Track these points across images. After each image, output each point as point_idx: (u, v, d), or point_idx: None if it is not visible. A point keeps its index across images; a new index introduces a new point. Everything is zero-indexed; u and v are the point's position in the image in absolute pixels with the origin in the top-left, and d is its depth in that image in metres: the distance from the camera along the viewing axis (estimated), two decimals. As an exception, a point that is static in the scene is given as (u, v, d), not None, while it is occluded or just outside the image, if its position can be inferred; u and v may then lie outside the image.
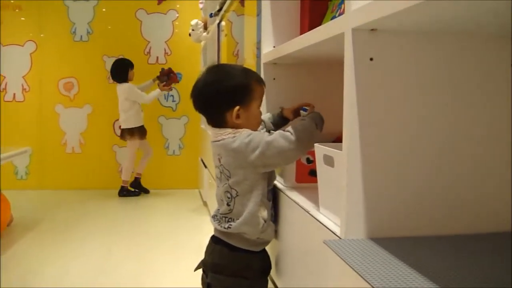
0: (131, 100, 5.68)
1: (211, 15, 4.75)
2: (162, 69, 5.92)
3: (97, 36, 6.38)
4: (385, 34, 1.13)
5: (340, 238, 1.16)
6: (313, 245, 1.33)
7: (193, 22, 5.51)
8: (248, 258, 1.66)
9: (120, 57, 6.01)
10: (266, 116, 1.85)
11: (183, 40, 6.31)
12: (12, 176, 6.37)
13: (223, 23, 4.07)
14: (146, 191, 6.01)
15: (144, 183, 6.06)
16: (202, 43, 5.81)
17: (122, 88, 5.68)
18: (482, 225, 1.23)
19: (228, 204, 1.64)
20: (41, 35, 6.38)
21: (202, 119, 5.86)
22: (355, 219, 1.15)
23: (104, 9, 6.38)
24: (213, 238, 1.71)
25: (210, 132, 1.69)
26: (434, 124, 1.18)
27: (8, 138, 5.90)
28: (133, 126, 5.74)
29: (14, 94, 6.41)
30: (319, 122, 1.58)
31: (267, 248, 1.73)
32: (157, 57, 6.41)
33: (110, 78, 5.89)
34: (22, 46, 6.39)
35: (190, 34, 5.60)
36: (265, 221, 1.61)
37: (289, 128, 1.53)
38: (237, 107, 1.61)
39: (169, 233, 4.31)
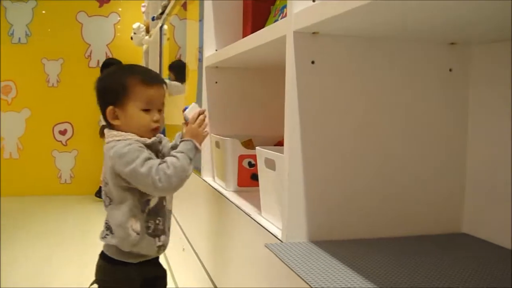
0: None
1: (153, 19, 4.71)
2: None
3: (36, 38, 6.23)
4: (327, 37, 1.14)
5: (281, 242, 1.16)
6: (255, 249, 1.33)
7: (135, 25, 5.45)
8: (125, 270, 1.58)
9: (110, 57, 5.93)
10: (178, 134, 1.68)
11: (125, 44, 6.23)
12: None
13: (165, 26, 4.04)
14: None
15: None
16: (144, 46, 5.75)
17: None
18: (421, 227, 1.25)
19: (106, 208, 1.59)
20: (-23, 37, 6.21)
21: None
22: (296, 222, 1.15)
23: (43, 11, 6.24)
24: (101, 252, 1.63)
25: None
26: (375, 128, 1.19)
27: None
28: None
29: (-50, 97, 6.20)
30: (193, 153, 1.51)
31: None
32: (98, 61, 6.29)
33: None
34: (-42, 48, 6.19)
35: (132, 38, 5.54)
36: (137, 234, 1.52)
37: (163, 166, 1.44)
38: (110, 107, 1.54)
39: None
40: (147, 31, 5.36)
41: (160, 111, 1.59)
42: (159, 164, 1.44)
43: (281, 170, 1.20)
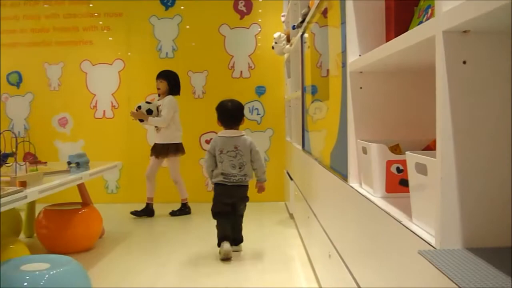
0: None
1: (293, 27, 4.76)
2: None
3: (182, 52, 6.52)
4: (478, 35, 1.09)
5: (435, 249, 1.12)
6: (406, 256, 1.30)
7: (276, 35, 5.54)
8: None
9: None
10: None
11: (266, 53, 6.35)
12: (103, 190, 6.60)
13: (306, 34, 4.06)
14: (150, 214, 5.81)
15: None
16: (285, 55, 5.83)
17: None
18: None
19: (240, 168, 4.01)
20: (129, 54, 6.59)
21: (287, 131, 5.87)
22: (451, 228, 1.11)
23: (188, 26, 6.51)
24: (232, 185, 4.08)
25: (230, 132, 4.06)
26: (533, 128, 1.13)
27: (99, 153, 6.07)
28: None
29: (104, 111, 6.64)
30: None
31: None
32: (241, 71, 6.47)
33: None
34: (111, 64, 6.62)
35: (273, 47, 5.63)
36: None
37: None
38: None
39: (256, 246, 4.32)
40: (288, 40, 5.42)
41: None
42: None
43: (434, 174, 1.17)
